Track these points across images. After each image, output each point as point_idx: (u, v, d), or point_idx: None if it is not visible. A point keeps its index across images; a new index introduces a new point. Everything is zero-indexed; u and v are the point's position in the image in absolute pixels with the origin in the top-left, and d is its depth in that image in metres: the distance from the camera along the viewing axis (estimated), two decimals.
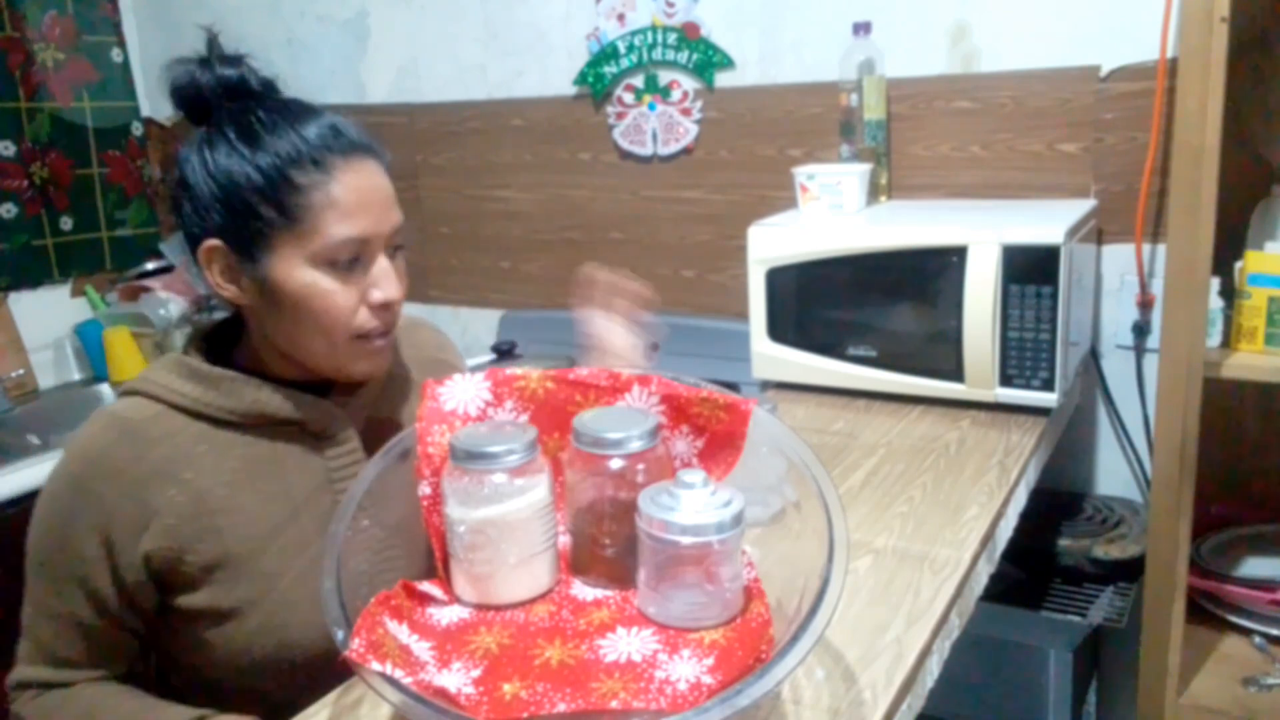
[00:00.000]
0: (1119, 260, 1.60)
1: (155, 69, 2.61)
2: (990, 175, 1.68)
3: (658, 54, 1.92)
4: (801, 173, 1.60)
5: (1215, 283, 1.30)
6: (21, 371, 2.30)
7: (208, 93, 0.93)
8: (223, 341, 1.00)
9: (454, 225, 2.27)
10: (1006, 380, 1.38)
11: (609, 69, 1.97)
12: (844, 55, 1.67)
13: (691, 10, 1.87)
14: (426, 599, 0.80)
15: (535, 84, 2.08)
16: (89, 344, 2.41)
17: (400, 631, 0.73)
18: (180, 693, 0.95)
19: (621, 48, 1.95)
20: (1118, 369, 1.64)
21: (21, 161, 2.30)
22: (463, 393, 0.86)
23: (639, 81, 1.96)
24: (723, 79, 1.88)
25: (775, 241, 1.52)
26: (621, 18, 1.93)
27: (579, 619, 0.78)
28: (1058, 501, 1.64)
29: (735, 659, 0.70)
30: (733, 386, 0.92)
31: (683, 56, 1.90)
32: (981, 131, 1.67)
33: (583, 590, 0.83)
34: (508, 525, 0.79)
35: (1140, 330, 1.59)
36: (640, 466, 0.79)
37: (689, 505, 0.73)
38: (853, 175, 1.57)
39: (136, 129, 2.57)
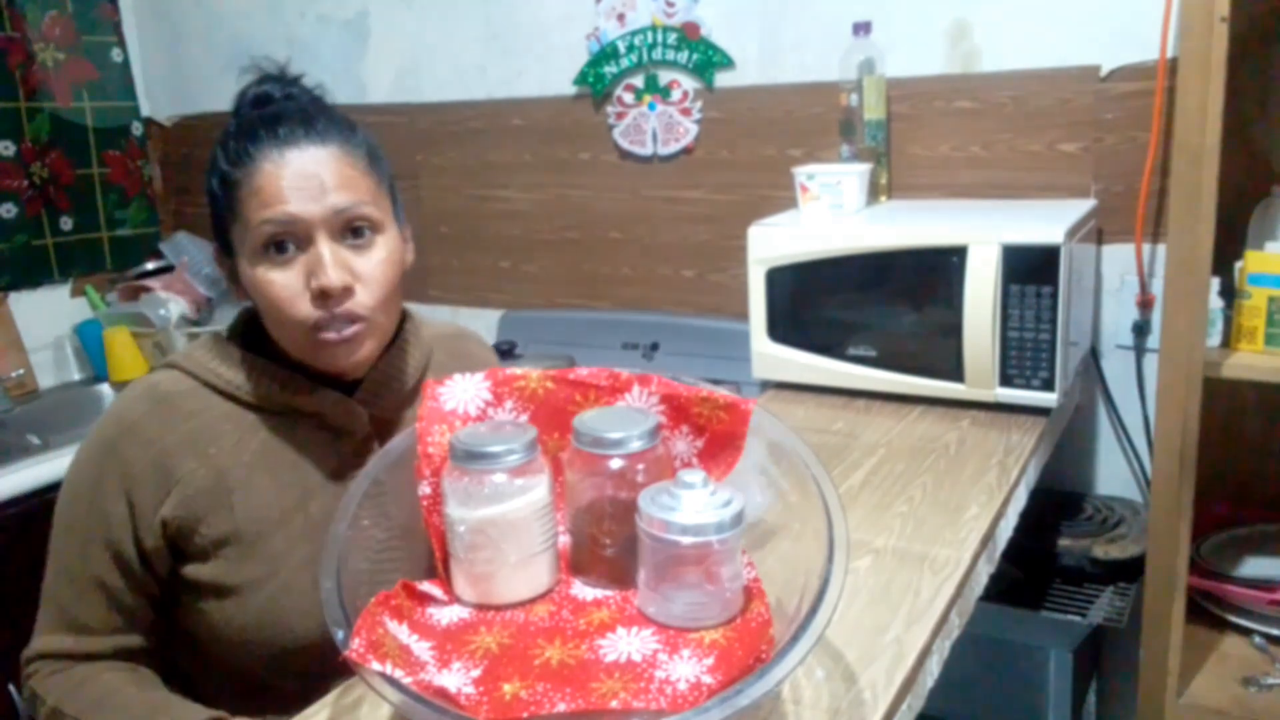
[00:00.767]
0: (1119, 260, 1.60)
1: (155, 69, 2.63)
2: (990, 175, 1.68)
3: (658, 54, 1.92)
4: (801, 172, 1.60)
5: (1215, 283, 1.30)
6: (21, 371, 2.30)
7: (241, 104, 0.97)
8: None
9: (454, 225, 2.27)
10: (1006, 380, 1.38)
11: (609, 69, 1.97)
12: (844, 55, 1.67)
13: (691, 10, 1.87)
14: (426, 599, 0.80)
15: (535, 84, 2.09)
16: (89, 344, 2.41)
17: (400, 631, 0.73)
18: (181, 671, 0.98)
19: (621, 48, 1.95)
20: (1118, 369, 1.64)
21: (21, 161, 2.30)
22: (463, 393, 0.86)
23: (639, 81, 1.96)
24: (723, 79, 1.88)
25: (775, 241, 1.52)
26: (621, 18, 1.93)
27: (579, 619, 0.78)
28: (1058, 501, 1.64)
29: (735, 659, 0.70)
30: (733, 386, 0.92)
31: (683, 56, 1.90)
32: (981, 131, 1.67)
33: (583, 590, 0.83)
34: (508, 525, 0.79)
35: (1140, 330, 1.59)
36: (640, 466, 0.79)
37: (689, 505, 0.73)
38: (853, 175, 1.57)
39: (136, 129, 2.57)
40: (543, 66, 2.07)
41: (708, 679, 0.68)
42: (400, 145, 2.24)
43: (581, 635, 0.75)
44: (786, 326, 1.55)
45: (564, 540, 0.86)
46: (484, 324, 2.25)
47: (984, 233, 1.35)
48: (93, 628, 0.93)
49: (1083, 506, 1.64)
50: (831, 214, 1.58)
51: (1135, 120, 1.54)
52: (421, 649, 0.73)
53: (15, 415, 2.18)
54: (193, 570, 0.93)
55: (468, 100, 2.17)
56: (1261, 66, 1.43)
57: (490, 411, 0.87)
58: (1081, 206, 1.50)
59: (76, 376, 2.47)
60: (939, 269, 1.40)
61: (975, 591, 1.04)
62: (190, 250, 2.48)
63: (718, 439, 0.86)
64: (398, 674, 0.65)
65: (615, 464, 0.79)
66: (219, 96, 2.52)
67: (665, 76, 1.93)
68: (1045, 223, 1.34)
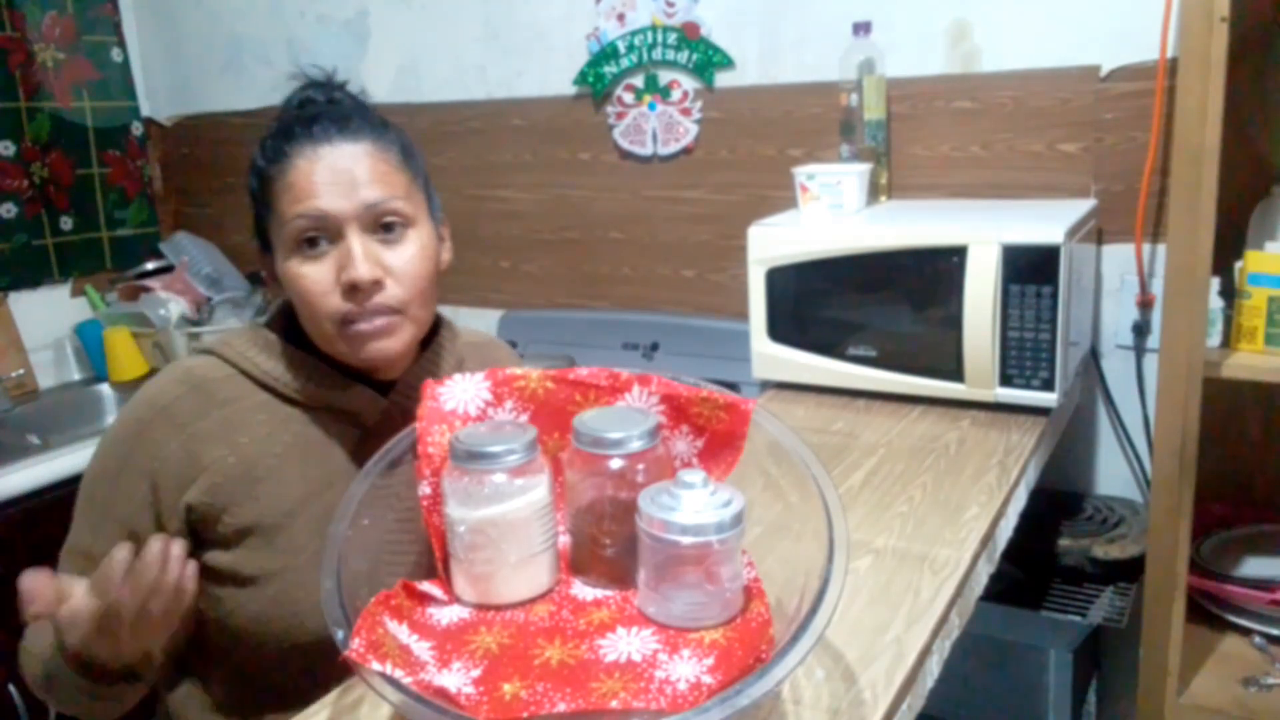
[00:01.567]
0: (1119, 260, 1.60)
1: (155, 69, 2.63)
2: (990, 175, 1.68)
3: (658, 54, 1.92)
4: (801, 173, 1.60)
5: (1215, 283, 1.30)
6: (21, 371, 2.30)
7: (286, 108, 0.99)
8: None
9: (454, 225, 2.23)
10: (1006, 380, 1.38)
11: (609, 69, 1.97)
12: (844, 55, 1.67)
13: (691, 10, 1.87)
14: (426, 599, 0.80)
15: (535, 84, 2.09)
16: (89, 344, 2.41)
17: (400, 631, 0.73)
18: (181, 659, 0.99)
19: (621, 47, 1.95)
20: (1118, 369, 1.64)
21: (21, 161, 2.31)
22: (463, 393, 0.86)
23: (639, 81, 1.96)
24: (723, 79, 1.88)
25: (775, 241, 1.52)
26: (621, 17, 1.93)
27: (579, 619, 0.78)
28: (1058, 501, 1.64)
29: (735, 659, 0.70)
30: (733, 386, 0.92)
31: (683, 56, 1.90)
32: (981, 131, 1.67)
33: (583, 590, 0.83)
34: (508, 525, 0.79)
35: (1140, 330, 1.59)
36: (640, 466, 0.79)
37: (689, 505, 0.73)
38: (853, 175, 1.57)
39: (136, 129, 2.57)
40: (542, 66, 2.07)
41: (708, 679, 0.68)
42: None
43: (581, 635, 0.75)
44: (786, 326, 1.55)
45: (564, 540, 0.86)
46: (484, 324, 2.25)
47: (984, 233, 1.35)
48: None
49: (1083, 506, 1.64)
50: (831, 214, 1.58)
51: (1135, 120, 1.54)
52: (421, 649, 0.73)
53: (15, 415, 2.18)
54: (213, 557, 0.94)
55: (467, 100, 2.18)
56: (1261, 66, 1.43)
57: (490, 411, 0.87)
58: (1081, 206, 1.50)
59: (76, 376, 2.47)
60: (939, 269, 1.40)
61: (975, 591, 1.04)
62: (190, 250, 2.48)
63: (718, 439, 0.86)
64: (398, 674, 0.65)
65: (615, 464, 0.79)
66: (219, 96, 2.53)
67: (665, 76, 1.93)
68: (1045, 223, 1.34)
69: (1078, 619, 1.45)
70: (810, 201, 1.59)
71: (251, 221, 0.99)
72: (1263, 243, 1.34)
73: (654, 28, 1.91)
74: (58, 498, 1.81)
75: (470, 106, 2.18)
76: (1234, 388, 1.31)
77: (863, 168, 1.60)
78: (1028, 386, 1.37)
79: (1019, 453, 1.27)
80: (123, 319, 2.34)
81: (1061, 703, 1.48)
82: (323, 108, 0.96)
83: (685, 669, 0.69)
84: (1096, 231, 1.56)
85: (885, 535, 1.05)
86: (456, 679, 0.70)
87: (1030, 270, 1.33)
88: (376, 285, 0.91)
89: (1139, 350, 1.60)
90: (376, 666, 0.65)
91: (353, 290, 0.90)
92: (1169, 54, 1.47)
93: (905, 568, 0.98)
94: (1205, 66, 1.18)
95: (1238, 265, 1.31)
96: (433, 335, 1.05)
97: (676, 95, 1.93)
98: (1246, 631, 1.42)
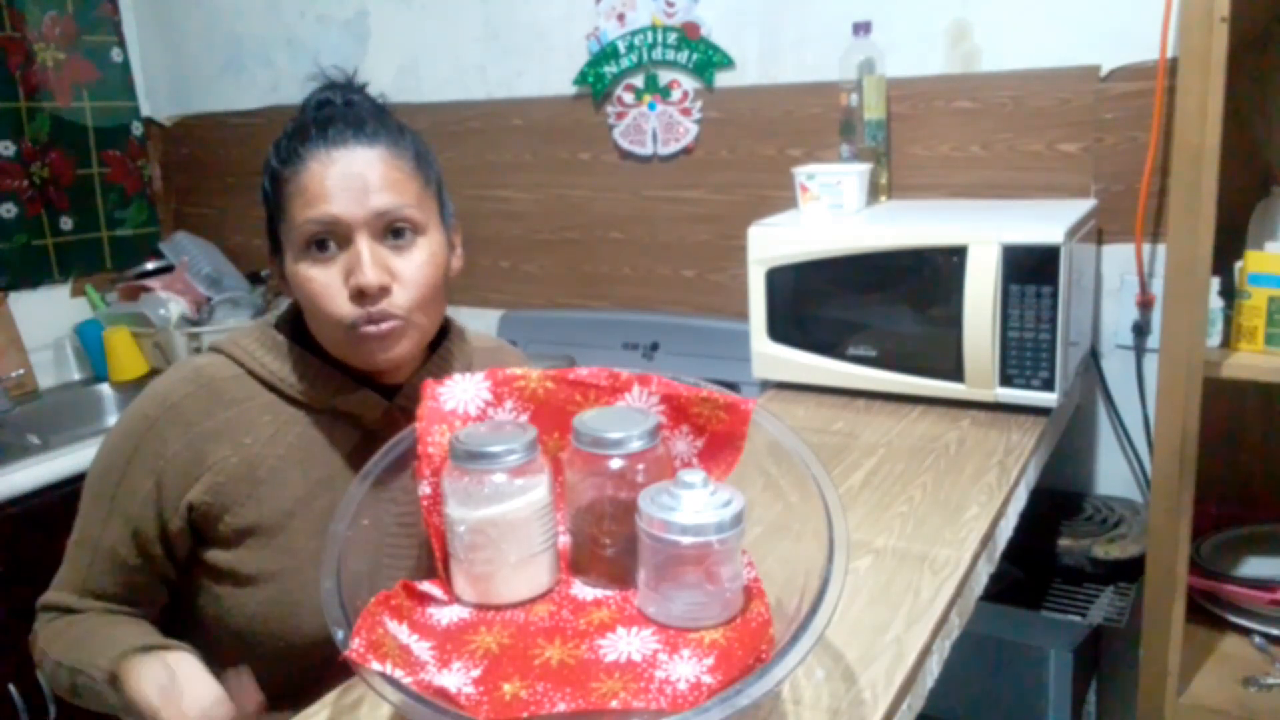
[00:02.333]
0: (1119, 260, 1.60)
1: (155, 69, 2.63)
2: (990, 175, 1.68)
3: (658, 54, 1.92)
4: (801, 173, 1.60)
5: (1215, 283, 1.30)
6: (21, 371, 2.30)
7: (304, 109, 0.98)
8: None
9: None
10: (1006, 380, 1.38)
11: (609, 69, 1.97)
12: (844, 55, 1.67)
13: (691, 10, 1.87)
14: (426, 599, 0.80)
15: (535, 84, 2.08)
16: (89, 344, 2.41)
17: (400, 631, 0.73)
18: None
19: (621, 47, 1.95)
20: (1118, 369, 1.64)
21: (21, 161, 2.30)
22: (463, 392, 0.86)
23: (639, 81, 1.96)
24: (723, 79, 1.88)
25: (775, 241, 1.52)
26: (621, 17, 1.93)
27: (579, 619, 0.78)
28: (1058, 501, 1.64)
29: (735, 659, 0.70)
30: (733, 386, 0.92)
31: (683, 56, 1.90)
32: (981, 131, 1.67)
33: (583, 590, 0.83)
34: (508, 525, 0.79)
35: (1140, 330, 1.59)
36: (640, 466, 0.79)
37: (689, 505, 0.73)
38: (853, 175, 1.57)
39: (136, 129, 2.57)
40: (542, 66, 2.07)
41: (708, 679, 0.68)
42: None
43: (581, 635, 0.75)
44: (786, 326, 1.55)
45: (564, 540, 0.86)
46: (484, 324, 2.25)
47: (984, 233, 1.35)
48: (100, 595, 0.95)
49: (1083, 506, 1.64)
50: (831, 214, 1.58)
51: (1135, 120, 1.54)
52: (421, 649, 0.73)
53: (15, 415, 2.18)
54: (213, 556, 0.94)
55: (467, 100, 2.17)
56: (1261, 66, 1.43)
57: (490, 411, 0.87)
58: (1081, 206, 1.50)
59: (76, 376, 2.47)
60: (939, 269, 1.40)
61: (975, 591, 1.04)
62: (190, 250, 2.48)
63: (718, 439, 0.86)
64: (398, 674, 0.65)
65: (615, 464, 0.79)
66: (219, 96, 2.52)
67: (665, 76, 1.93)
68: (1045, 223, 1.34)
69: (1078, 619, 1.45)
70: (810, 201, 1.59)
71: (261, 221, 0.98)
72: (1263, 243, 1.34)
73: (654, 28, 1.91)
74: (58, 498, 1.81)
75: (470, 106, 2.18)
76: (1234, 387, 1.32)
77: (863, 168, 1.60)
78: (1028, 386, 1.37)
79: (1019, 453, 1.27)
80: (123, 319, 2.34)
81: (1061, 703, 1.48)
82: (339, 110, 0.95)
83: (685, 669, 0.69)
84: (1096, 231, 1.56)
85: (885, 535, 1.05)
86: (456, 679, 0.70)
87: (1030, 270, 1.33)
88: (383, 291, 0.91)
89: (1139, 350, 1.60)
90: (376, 666, 0.65)
91: (360, 295, 0.90)
92: (1169, 54, 1.47)
93: (905, 568, 0.98)
94: (1205, 66, 1.18)
95: (1238, 265, 1.31)
96: (441, 339, 1.05)
97: (676, 95, 1.93)
98: (1246, 631, 1.42)
